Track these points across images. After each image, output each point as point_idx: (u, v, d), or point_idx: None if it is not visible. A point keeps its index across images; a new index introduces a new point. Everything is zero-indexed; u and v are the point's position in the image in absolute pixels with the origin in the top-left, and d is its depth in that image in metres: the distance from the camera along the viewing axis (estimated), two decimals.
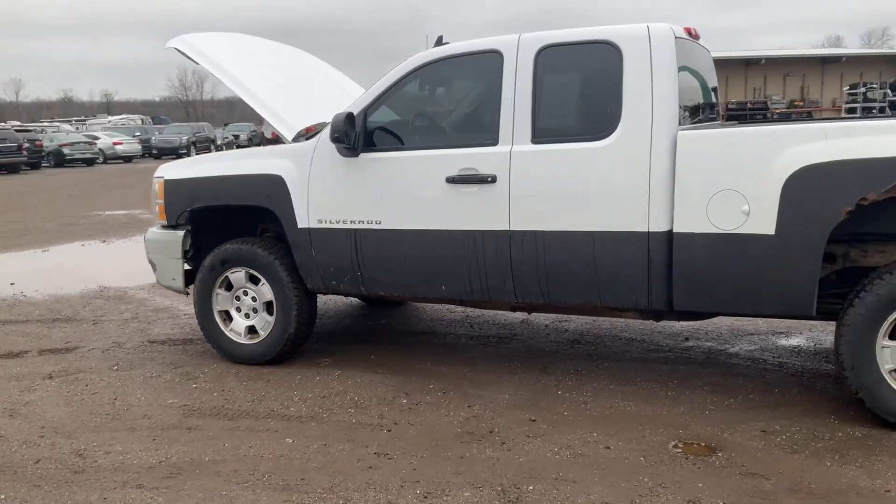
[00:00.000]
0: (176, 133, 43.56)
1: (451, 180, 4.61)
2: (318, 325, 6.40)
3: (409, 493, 3.47)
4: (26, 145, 33.38)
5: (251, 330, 5.39)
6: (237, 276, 5.35)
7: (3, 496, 3.57)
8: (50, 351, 5.94)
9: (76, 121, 62.42)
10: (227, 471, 3.77)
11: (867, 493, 3.36)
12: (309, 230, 5.03)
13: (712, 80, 5.34)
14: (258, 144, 35.56)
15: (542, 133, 4.48)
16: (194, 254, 5.60)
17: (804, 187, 3.88)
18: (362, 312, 6.86)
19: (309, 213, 5.01)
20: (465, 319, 6.45)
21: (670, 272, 4.24)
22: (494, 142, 4.56)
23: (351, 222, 4.92)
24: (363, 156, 4.87)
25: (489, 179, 4.52)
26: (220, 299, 5.45)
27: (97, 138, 39.34)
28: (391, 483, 3.58)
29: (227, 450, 4.02)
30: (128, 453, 4.02)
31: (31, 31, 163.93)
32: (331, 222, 4.97)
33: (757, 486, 3.44)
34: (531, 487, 3.49)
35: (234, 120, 58.08)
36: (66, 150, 36.58)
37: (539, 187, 4.45)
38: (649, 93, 4.23)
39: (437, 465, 3.75)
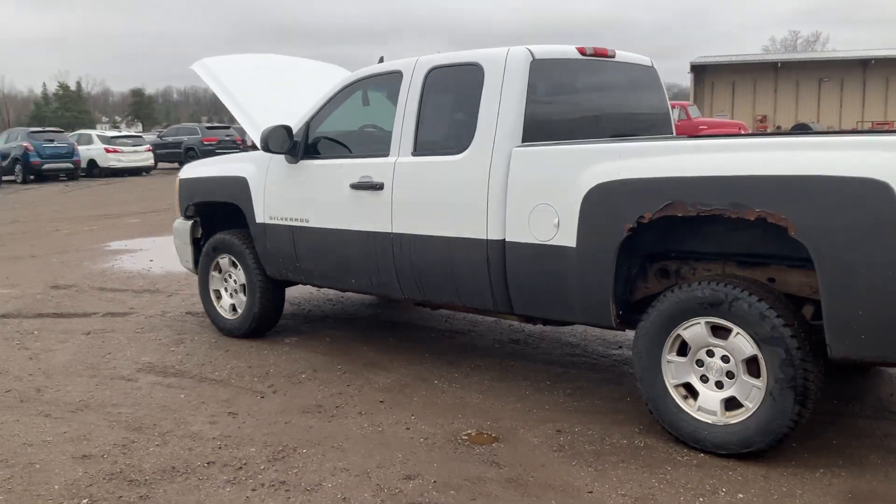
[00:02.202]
0: None
1: (354, 186, 5.25)
2: (325, 309, 7.27)
3: (211, 444, 4.21)
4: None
5: (233, 307, 6.38)
6: (224, 261, 6.37)
7: None
8: (112, 314, 7.34)
9: None
10: (115, 412, 4.75)
11: (571, 490, 3.56)
12: (264, 225, 5.90)
13: (645, 97, 5.47)
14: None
15: (421, 146, 4.99)
16: (206, 241, 6.68)
17: (596, 204, 4.10)
18: (373, 301, 7.60)
19: (264, 210, 5.88)
20: (450, 314, 6.97)
21: (507, 278, 4.58)
22: (386, 153, 5.13)
23: (290, 220, 5.72)
24: (302, 162, 5.65)
25: (378, 186, 5.10)
26: (214, 280, 6.50)
27: None
28: (210, 434, 4.34)
29: (134, 398, 5.00)
30: (69, 393, 5.13)
31: (333, 38, 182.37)
32: (278, 219, 5.80)
33: (481, 473, 3.77)
34: (304, 451, 4.09)
35: None
36: None
37: (413, 195, 4.97)
38: (496, 111, 4.59)
39: (260, 427, 4.45)
